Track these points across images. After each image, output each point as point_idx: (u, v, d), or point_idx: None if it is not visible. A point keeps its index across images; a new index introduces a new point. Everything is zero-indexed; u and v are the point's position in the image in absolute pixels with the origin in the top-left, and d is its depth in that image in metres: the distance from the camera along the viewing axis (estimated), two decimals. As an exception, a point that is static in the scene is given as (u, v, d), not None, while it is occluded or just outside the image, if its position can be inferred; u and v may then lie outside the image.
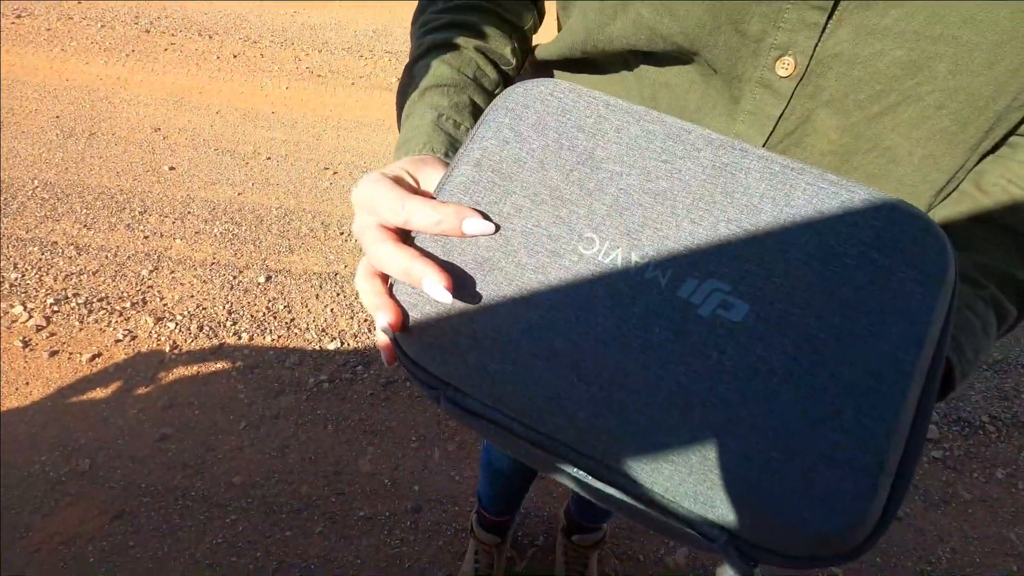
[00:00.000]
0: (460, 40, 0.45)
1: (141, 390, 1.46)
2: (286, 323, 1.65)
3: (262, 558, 1.18)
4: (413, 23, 0.49)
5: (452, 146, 0.40)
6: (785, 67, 0.36)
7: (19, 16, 2.85)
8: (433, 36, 0.45)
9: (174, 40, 2.84)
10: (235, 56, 2.78)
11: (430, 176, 0.35)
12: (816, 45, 0.35)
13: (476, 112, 0.43)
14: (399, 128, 0.44)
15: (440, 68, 0.43)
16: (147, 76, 2.58)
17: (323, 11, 3.24)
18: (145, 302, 1.67)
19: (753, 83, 0.38)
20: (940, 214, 0.41)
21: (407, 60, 0.48)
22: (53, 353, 1.52)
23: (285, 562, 1.18)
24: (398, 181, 0.33)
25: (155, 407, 1.42)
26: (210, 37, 2.89)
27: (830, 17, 0.34)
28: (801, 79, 0.37)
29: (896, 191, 0.39)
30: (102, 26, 2.88)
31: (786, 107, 0.38)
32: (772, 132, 0.39)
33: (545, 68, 0.50)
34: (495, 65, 0.46)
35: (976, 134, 0.36)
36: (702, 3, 0.35)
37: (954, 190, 0.41)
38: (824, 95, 0.37)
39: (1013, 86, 0.34)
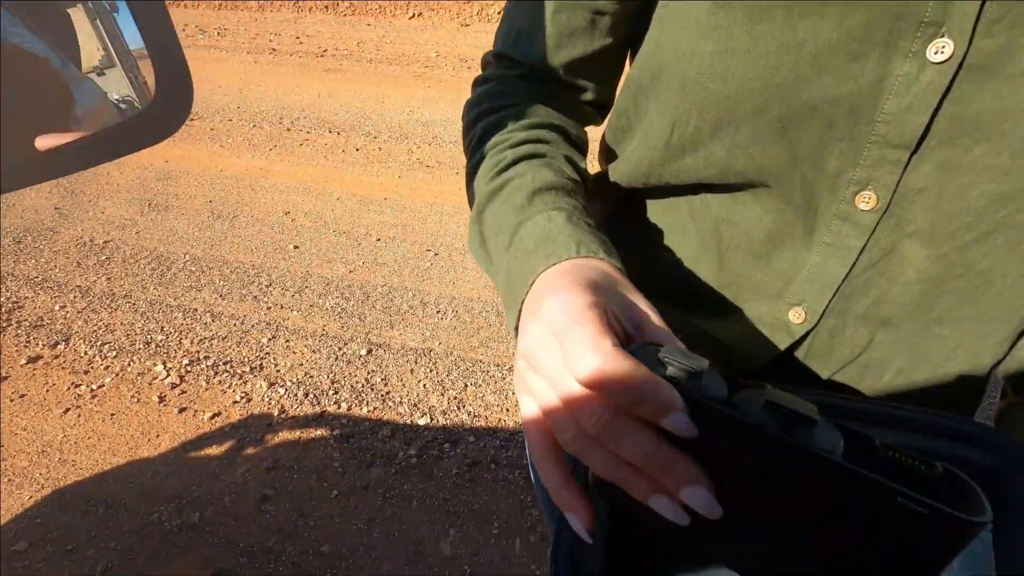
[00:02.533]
0: (548, 150, 0.42)
1: (250, 450, 1.57)
2: (382, 395, 1.73)
3: (341, 635, 1.19)
4: (475, 148, 0.45)
5: (603, 242, 0.35)
6: (866, 201, 0.36)
7: (191, 119, 3.43)
8: (515, 150, 0.42)
9: (308, 137, 3.28)
10: (357, 149, 3.13)
11: (636, 307, 0.29)
12: (899, 181, 0.35)
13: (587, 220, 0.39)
14: (486, 248, 0.39)
15: (543, 172, 0.40)
16: (284, 167, 2.97)
17: (435, 109, 3.61)
18: (262, 367, 1.83)
19: (830, 216, 0.37)
20: None
21: (478, 179, 0.42)
22: (182, 410, 1.69)
23: (362, 642, 1.17)
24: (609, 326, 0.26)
25: (260, 468, 1.52)
26: (338, 133, 3.30)
27: (913, 154, 0.34)
28: (884, 212, 0.36)
29: (991, 309, 0.37)
30: (254, 126, 3.39)
31: (868, 239, 0.37)
32: (854, 264, 0.38)
33: (603, 188, 0.48)
34: (580, 174, 0.44)
35: None
36: (779, 144, 0.36)
37: None
38: (910, 227, 0.36)
39: None
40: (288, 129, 3.35)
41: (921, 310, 0.39)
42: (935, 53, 0.31)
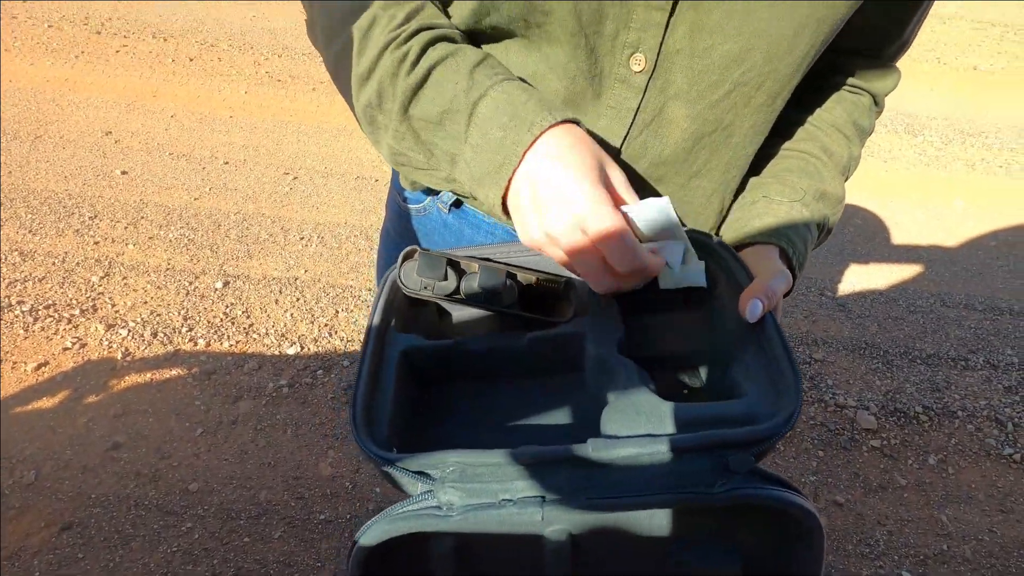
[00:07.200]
0: (448, 32, 0.43)
1: (91, 399, 1.42)
2: (244, 328, 1.63)
3: (219, 565, 1.17)
4: (359, 50, 0.43)
5: (560, 104, 0.41)
6: (638, 63, 0.43)
7: (-42, 14, 2.73)
8: (416, 39, 0.41)
9: (126, 42, 2.78)
10: (191, 59, 2.73)
11: (613, 178, 0.39)
12: (661, 43, 0.42)
13: None
14: (423, 141, 0.41)
15: (463, 50, 0.42)
16: (97, 78, 2.51)
17: (283, 15, 3.22)
18: (96, 309, 1.62)
19: (612, 80, 0.44)
20: (766, 162, 0.52)
21: (382, 79, 0.42)
22: (-4, 362, 1.46)
23: (243, 568, 1.17)
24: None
25: (106, 416, 1.39)
26: (164, 40, 2.84)
27: (671, 16, 0.41)
28: (652, 74, 0.43)
29: (731, 159, 0.49)
30: (49, 26, 2.79)
31: (642, 100, 0.44)
32: (632, 124, 0.45)
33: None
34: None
35: (781, 105, 0.47)
36: (565, 7, 0.40)
37: (766, 150, 0.52)
38: (672, 88, 0.44)
39: (804, 65, 0.44)
40: (98, 32, 2.81)
41: (685, 165, 0.48)
42: None
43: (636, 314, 0.44)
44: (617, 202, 0.39)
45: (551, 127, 0.38)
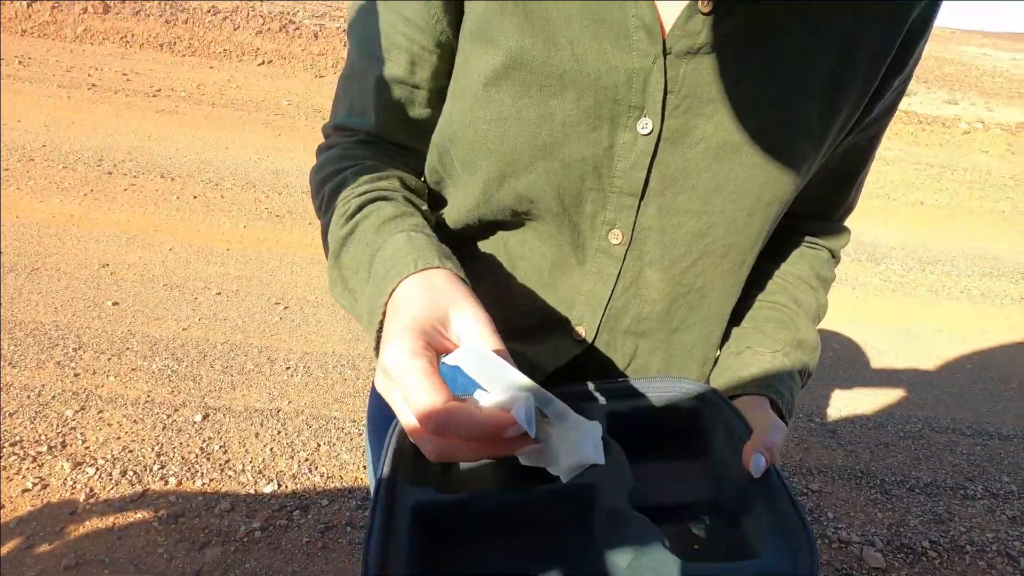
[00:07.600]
0: (389, 193, 0.47)
1: (43, 548, 1.31)
2: (220, 465, 1.56)
3: None
4: (326, 206, 0.49)
5: (438, 249, 0.40)
6: (616, 237, 0.49)
7: (-22, 157, 2.92)
8: (360, 198, 0.46)
9: (135, 181, 2.96)
10: (195, 197, 2.89)
11: (459, 321, 0.36)
12: (635, 221, 0.48)
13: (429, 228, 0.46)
14: (349, 288, 0.43)
15: (386, 208, 0.44)
16: (103, 214, 2.63)
17: (286, 157, 3.48)
18: (64, 445, 1.55)
19: (594, 250, 0.50)
20: (744, 312, 0.57)
21: (331, 229, 0.47)
22: (-55, 507, 1.36)
23: None
24: (428, 346, 0.34)
25: (56, 568, 1.27)
26: (172, 179, 3.03)
27: (641, 201, 0.47)
28: (629, 245, 0.49)
29: (708, 315, 0.54)
30: (64, 167, 2.97)
31: (621, 267, 0.50)
32: (614, 288, 0.50)
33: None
34: (419, 208, 0.50)
35: (748, 268, 0.53)
36: (549, 194, 0.47)
37: (742, 302, 0.57)
38: (647, 257, 0.50)
39: (762, 237, 0.50)
40: (109, 173, 3.00)
41: (665, 322, 0.53)
42: (642, 128, 0.44)
43: (638, 461, 0.45)
44: (442, 350, 0.36)
45: (408, 276, 0.38)
